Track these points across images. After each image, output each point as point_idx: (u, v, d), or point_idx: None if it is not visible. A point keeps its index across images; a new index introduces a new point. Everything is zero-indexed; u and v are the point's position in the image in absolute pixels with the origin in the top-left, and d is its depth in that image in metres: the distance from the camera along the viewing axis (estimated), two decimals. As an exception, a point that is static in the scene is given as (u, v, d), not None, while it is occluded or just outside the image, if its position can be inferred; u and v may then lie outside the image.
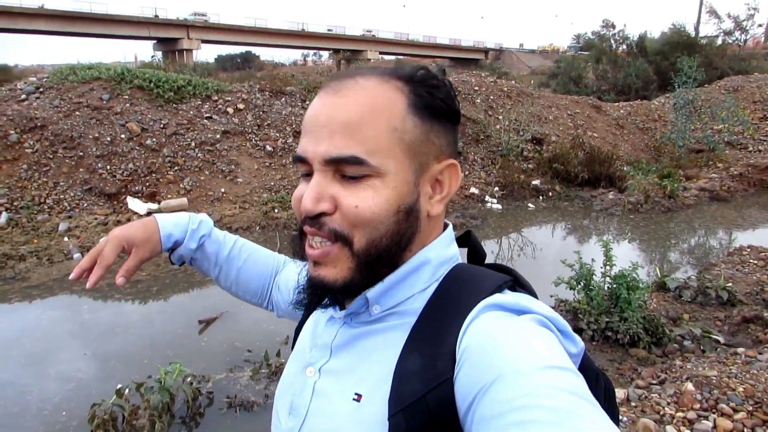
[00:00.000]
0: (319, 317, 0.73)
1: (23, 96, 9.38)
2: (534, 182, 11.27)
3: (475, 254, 0.73)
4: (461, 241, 0.74)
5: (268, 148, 9.54)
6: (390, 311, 0.63)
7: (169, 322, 5.13)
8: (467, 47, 75.39)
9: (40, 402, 3.72)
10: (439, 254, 0.66)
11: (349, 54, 55.75)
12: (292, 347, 0.77)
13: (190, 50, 56.23)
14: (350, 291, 0.63)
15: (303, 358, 0.71)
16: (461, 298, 0.59)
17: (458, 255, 0.69)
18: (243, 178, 8.86)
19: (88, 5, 54.61)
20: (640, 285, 4.57)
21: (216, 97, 10.33)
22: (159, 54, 60.01)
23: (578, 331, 4.62)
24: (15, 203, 7.56)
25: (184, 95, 10.15)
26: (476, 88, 13.83)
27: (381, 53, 65.42)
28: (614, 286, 4.63)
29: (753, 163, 12.12)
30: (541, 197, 10.81)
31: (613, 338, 4.47)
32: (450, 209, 9.08)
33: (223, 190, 8.57)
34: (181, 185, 8.46)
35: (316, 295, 0.64)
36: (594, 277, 4.82)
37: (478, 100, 13.37)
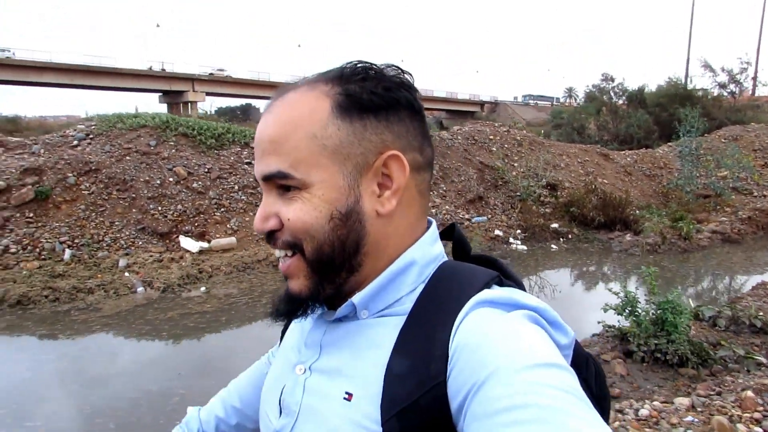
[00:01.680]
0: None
1: (75, 142, 9.98)
2: (553, 225, 11.81)
3: (461, 248, 0.73)
4: (445, 235, 0.74)
5: (306, 191, 10.12)
6: (379, 314, 0.64)
7: (249, 347, 5.49)
8: (463, 100, 77.45)
9: (153, 413, 4.06)
10: (425, 254, 0.66)
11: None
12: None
13: (194, 102, 57.81)
14: (319, 300, 0.65)
15: (291, 355, 0.71)
16: (450, 297, 0.59)
17: (443, 253, 0.69)
18: (285, 219, 9.38)
19: (98, 59, 56.49)
20: (684, 311, 5.01)
21: (254, 144, 10.97)
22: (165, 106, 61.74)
23: (629, 353, 5.04)
24: (76, 240, 8.00)
25: (224, 142, 10.79)
26: (491, 137, 14.60)
27: (381, 104, 66.59)
28: (660, 311, 5.06)
29: (760, 207, 12.75)
30: (561, 239, 11.32)
31: (662, 359, 4.86)
32: (478, 249, 9.53)
33: (267, 229, 9.07)
34: (228, 225, 8.95)
35: (290, 306, 0.65)
36: (638, 304, 5.27)
37: (494, 148, 14.10)
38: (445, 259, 0.68)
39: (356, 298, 0.63)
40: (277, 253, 0.64)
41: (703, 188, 14.00)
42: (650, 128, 20.14)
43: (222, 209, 9.21)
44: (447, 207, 11.26)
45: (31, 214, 8.22)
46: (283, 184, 0.61)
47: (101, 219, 8.48)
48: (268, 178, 0.61)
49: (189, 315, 6.23)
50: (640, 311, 5.22)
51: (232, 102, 69.57)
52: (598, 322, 5.50)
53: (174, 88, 58.02)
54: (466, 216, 11.23)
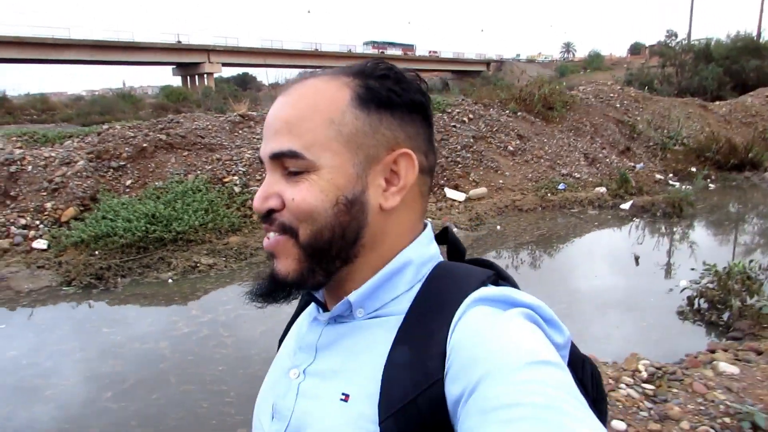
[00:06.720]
0: (302, 321, 0.74)
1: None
2: (691, 169, 13.72)
3: (456, 250, 0.75)
4: (439, 239, 0.75)
5: (509, 148, 11.88)
6: (375, 314, 0.64)
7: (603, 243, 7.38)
8: (470, 60, 78.58)
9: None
10: (421, 253, 0.67)
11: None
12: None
13: (210, 74, 58.58)
14: (305, 286, 0.65)
15: (286, 361, 0.71)
16: (447, 296, 0.61)
17: (439, 253, 0.71)
18: (509, 172, 11.17)
19: (116, 34, 56.71)
20: None
21: (450, 110, 12.63)
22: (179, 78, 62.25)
23: None
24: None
25: (425, 109, 12.42)
26: (611, 95, 16.34)
27: (390, 68, 67.34)
28: None
29: None
30: (707, 180, 13.24)
31: None
32: (655, 192, 11.41)
33: (501, 181, 10.86)
34: (470, 178, 10.73)
35: (271, 287, 0.65)
36: None
37: (618, 105, 15.86)
38: (441, 259, 0.70)
39: (352, 296, 0.64)
40: (270, 235, 0.64)
41: (803, 131, 15.99)
42: (722, 80, 22.05)
43: (459, 165, 10.96)
44: (613, 157, 13.09)
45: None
46: (291, 164, 0.61)
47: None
48: (277, 157, 0.62)
49: (537, 228, 8.09)
50: None
51: (227, 72, 69.89)
52: None
53: (190, 60, 58.56)
54: (630, 163, 13.08)
